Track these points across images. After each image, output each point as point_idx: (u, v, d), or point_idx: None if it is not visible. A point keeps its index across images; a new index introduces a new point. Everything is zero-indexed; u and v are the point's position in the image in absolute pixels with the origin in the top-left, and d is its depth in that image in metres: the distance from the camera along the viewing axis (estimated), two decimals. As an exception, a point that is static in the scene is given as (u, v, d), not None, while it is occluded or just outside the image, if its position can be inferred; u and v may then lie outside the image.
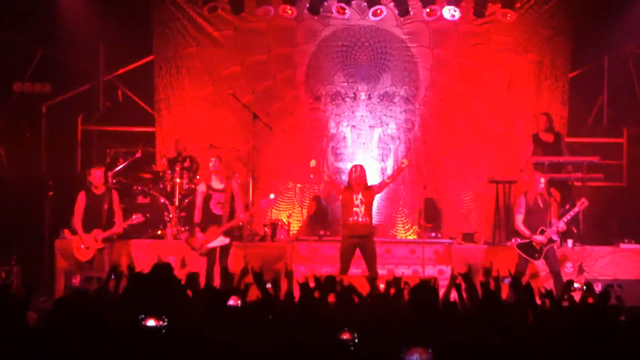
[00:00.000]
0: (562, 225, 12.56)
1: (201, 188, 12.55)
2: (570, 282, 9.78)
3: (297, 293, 8.22)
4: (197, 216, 12.48)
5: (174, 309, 7.94)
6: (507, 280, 8.95)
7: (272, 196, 13.43)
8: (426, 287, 7.64)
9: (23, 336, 6.44)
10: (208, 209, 12.41)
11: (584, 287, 11.80)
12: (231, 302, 7.99)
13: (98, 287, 8.45)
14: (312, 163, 12.70)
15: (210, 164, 12.52)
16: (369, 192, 12.44)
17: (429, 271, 13.30)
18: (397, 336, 6.39)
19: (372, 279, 9.08)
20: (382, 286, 10.01)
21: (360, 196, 12.31)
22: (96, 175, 12.66)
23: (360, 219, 12.29)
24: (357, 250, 12.36)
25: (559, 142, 14.29)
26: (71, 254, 12.93)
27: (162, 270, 8.87)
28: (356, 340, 6.36)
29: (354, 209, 12.30)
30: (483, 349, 6.25)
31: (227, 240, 12.33)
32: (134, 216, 12.79)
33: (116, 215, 12.63)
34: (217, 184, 12.48)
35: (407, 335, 6.34)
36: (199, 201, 12.50)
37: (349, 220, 12.35)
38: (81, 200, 12.58)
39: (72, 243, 12.66)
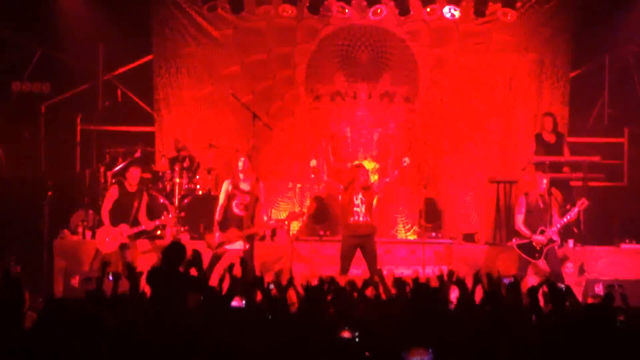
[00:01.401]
0: (563, 223, 12.55)
1: (226, 186, 12.32)
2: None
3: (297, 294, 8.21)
4: (219, 214, 12.27)
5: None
6: (508, 280, 8.93)
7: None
8: (427, 288, 7.61)
9: (20, 336, 6.43)
10: (230, 208, 12.24)
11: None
12: (235, 302, 7.98)
13: (95, 287, 8.42)
14: (313, 163, 12.65)
15: (240, 163, 12.31)
16: (370, 192, 12.41)
17: (429, 271, 13.25)
18: (397, 336, 6.37)
19: (372, 280, 9.02)
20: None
21: (360, 196, 12.28)
22: (134, 174, 12.89)
23: (361, 219, 12.26)
24: (358, 250, 12.32)
25: (560, 143, 14.26)
26: (70, 254, 12.93)
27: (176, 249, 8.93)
28: (357, 339, 6.34)
29: (355, 208, 12.26)
30: (483, 349, 6.24)
31: (247, 247, 12.13)
32: (162, 217, 13.12)
33: (141, 215, 12.85)
34: (244, 185, 12.28)
35: (407, 336, 6.32)
36: (222, 199, 12.29)
37: (349, 220, 12.31)
38: (113, 193, 12.84)
39: (98, 234, 12.84)
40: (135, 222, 12.77)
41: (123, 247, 12.69)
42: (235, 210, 12.19)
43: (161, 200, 14.14)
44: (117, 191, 12.81)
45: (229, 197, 12.22)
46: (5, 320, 6.84)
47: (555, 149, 14.13)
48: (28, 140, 15.44)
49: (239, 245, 12.04)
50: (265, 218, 12.57)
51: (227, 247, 12.00)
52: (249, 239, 12.17)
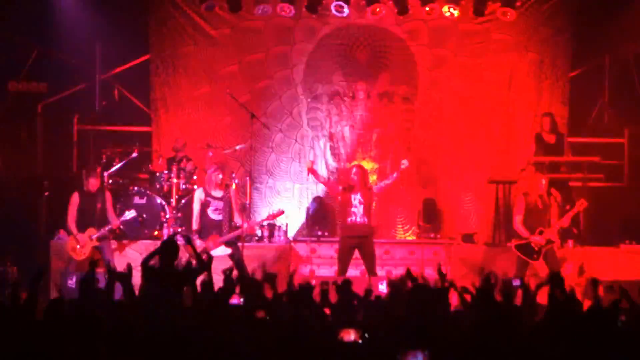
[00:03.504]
0: (563, 223, 12.51)
1: (199, 195, 12.43)
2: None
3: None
4: (196, 223, 12.36)
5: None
6: (517, 283, 8.90)
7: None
8: (425, 288, 7.57)
9: (23, 334, 6.40)
10: (206, 215, 12.30)
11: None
12: (234, 300, 7.95)
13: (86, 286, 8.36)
14: (308, 164, 12.59)
15: (213, 177, 12.39)
16: (368, 193, 12.36)
17: (429, 272, 13.21)
18: (396, 337, 6.32)
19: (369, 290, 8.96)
20: (381, 287, 9.97)
21: (359, 197, 12.25)
22: (92, 183, 12.81)
23: (358, 220, 12.22)
24: (356, 250, 12.27)
25: (560, 143, 14.21)
26: (67, 255, 12.84)
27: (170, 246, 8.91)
28: (360, 341, 6.30)
29: (353, 209, 12.23)
30: (482, 350, 6.20)
31: (229, 251, 12.17)
32: (126, 212, 12.93)
33: (109, 213, 12.79)
34: (215, 192, 12.37)
35: (405, 337, 6.27)
36: (196, 208, 12.38)
37: (347, 221, 12.29)
38: (74, 201, 12.78)
39: (67, 243, 12.69)
40: (103, 223, 12.71)
41: (97, 250, 12.65)
42: (212, 216, 12.24)
43: (158, 201, 14.09)
44: (78, 198, 12.78)
45: (203, 205, 12.32)
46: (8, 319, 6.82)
47: (555, 149, 14.09)
48: (24, 140, 15.38)
49: (221, 251, 12.06)
50: (240, 222, 12.47)
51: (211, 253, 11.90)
52: (230, 243, 12.17)
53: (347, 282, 8.76)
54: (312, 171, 12.76)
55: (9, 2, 14.95)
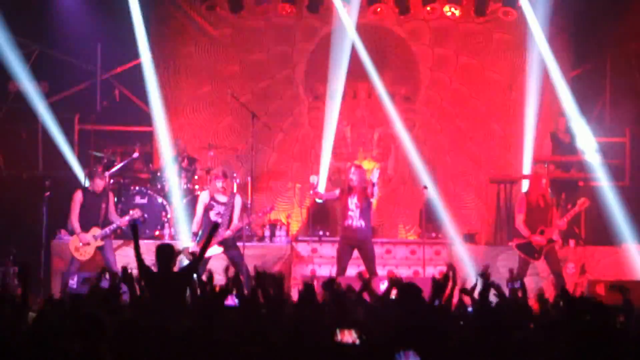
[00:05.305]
0: (562, 225, 12.48)
1: (203, 198, 12.45)
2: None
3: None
4: (196, 225, 12.39)
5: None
6: (517, 284, 8.87)
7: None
8: (413, 287, 7.53)
9: (19, 336, 6.39)
10: (207, 218, 12.31)
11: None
12: (229, 301, 7.94)
13: (91, 286, 8.34)
14: (313, 179, 12.53)
15: (218, 184, 12.40)
16: (366, 196, 12.24)
17: (430, 272, 13.21)
18: (392, 337, 6.32)
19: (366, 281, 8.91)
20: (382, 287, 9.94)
21: (355, 200, 12.14)
22: (98, 183, 12.74)
23: (354, 224, 12.15)
24: (355, 251, 12.25)
25: (574, 142, 14.23)
26: (68, 255, 12.83)
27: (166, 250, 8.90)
28: (357, 342, 6.29)
29: (349, 212, 12.17)
30: (478, 350, 6.19)
31: (220, 250, 12.16)
32: (131, 211, 12.84)
33: (112, 214, 12.74)
34: (220, 197, 12.41)
35: (399, 337, 6.27)
36: (199, 210, 12.39)
37: (344, 224, 12.27)
38: (78, 199, 12.69)
39: (70, 243, 12.63)
40: (106, 223, 12.66)
41: (101, 249, 12.59)
42: (214, 219, 12.23)
43: (159, 201, 14.08)
44: (81, 195, 12.69)
45: (207, 209, 12.37)
46: (8, 319, 6.80)
47: (571, 148, 14.12)
48: (25, 140, 15.37)
49: (213, 250, 12.03)
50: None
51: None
52: (222, 242, 12.20)
53: (331, 281, 8.72)
54: (315, 190, 12.66)
55: (10, 3, 14.94)
